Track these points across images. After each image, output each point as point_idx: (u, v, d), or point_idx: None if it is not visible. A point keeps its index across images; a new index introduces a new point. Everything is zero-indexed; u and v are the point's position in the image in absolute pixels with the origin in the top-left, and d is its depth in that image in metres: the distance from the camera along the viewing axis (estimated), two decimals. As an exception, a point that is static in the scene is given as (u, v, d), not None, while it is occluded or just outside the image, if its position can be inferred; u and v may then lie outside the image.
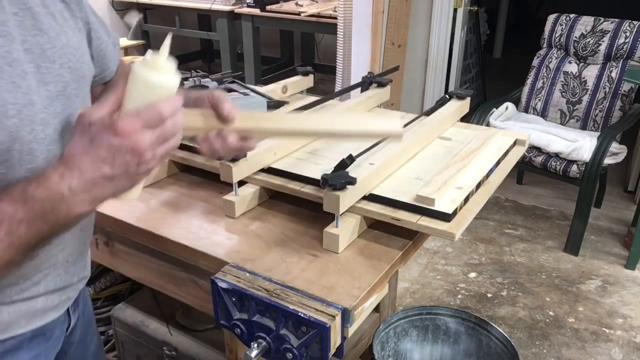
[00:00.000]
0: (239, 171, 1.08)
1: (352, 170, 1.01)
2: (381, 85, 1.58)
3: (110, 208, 1.13)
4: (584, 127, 2.91)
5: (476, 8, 3.92)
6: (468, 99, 1.49)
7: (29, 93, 0.66)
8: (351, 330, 0.86)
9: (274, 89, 1.57)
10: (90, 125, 0.58)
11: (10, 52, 0.64)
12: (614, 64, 2.84)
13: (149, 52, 0.61)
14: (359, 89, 1.59)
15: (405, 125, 1.32)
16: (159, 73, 0.60)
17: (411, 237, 1.03)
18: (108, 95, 0.63)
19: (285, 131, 0.80)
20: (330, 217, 0.99)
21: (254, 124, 0.75)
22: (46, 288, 0.78)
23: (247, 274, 0.91)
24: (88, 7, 0.82)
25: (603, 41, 2.84)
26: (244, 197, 1.11)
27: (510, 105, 2.97)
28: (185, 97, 0.81)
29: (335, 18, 3.29)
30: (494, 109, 2.89)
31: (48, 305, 0.80)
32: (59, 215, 0.60)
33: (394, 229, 1.02)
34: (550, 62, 3.03)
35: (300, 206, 1.13)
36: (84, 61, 0.78)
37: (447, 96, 1.48)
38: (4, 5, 0.65)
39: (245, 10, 4.00)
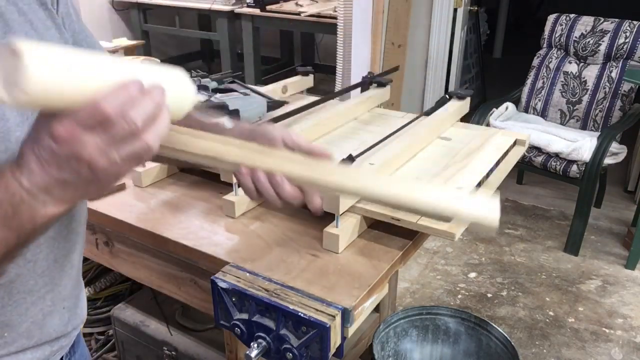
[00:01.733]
0: (239, 171, 1.08)
1: (352, 170, 1.01)
2: (381, 85, 1.58)
3: (111, 208, 1.13)
4: (584, 127, 2.91)
5: (476, 8, 3.92)
6: (468, 99, 1.49)
7: (0, 107, 0.58)
8: (351, 330, 0.86)
9: (274, 89, 1.57)
10: (39, 117, 0.50)
11: None
12: (614, 64, 2.84)
13: None
14: (359, 89, 1.60)
15: (405, 126, 1.32)
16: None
17: (411, 237, 1.03)
18: None
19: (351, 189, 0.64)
20: (330, 217, 0.99)
21: (311, 174, 0.63)
22: (38, 339, 0.71)
23: (247, 274, 0.91)
24: (76, 16, 0.74)
25: (603, 41, 2.84)
26: (244, 197, 1.11)
27: (510, 105, 2.97)
28: (238, 129, 0.74)
29: (335, 18, 3.29)
30: (494, 109, 2.89)
31: (37, 359, 0.72)
32: (22, 219, 0.51)
33: (394, 229, 1.02)
34: (550, 62, 3.03)
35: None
36: None
37: (447, 96, 1.48)
38: None
39: (245, 10, 4.00)
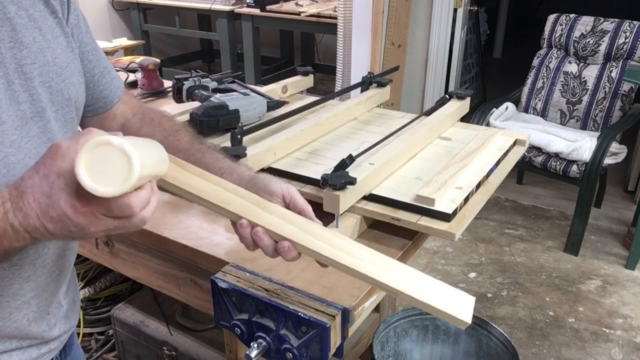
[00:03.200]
0: (239, 171, 1.08)
1: (352, 170, 1.01)
2: (381, 85, 1.58)
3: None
4: (584, 127, 2.91)
5: (476, 8, 3.92)
6: (468, 99, 1.49)
7: None
8: (351, 330, 0.86)
9: (274, 89, 1.57)
10: (58, 174, 0.50)
11: None
12: (614, 64, 2.84)
13: None
14: (359, 89, 1.60)
15: (405, 126, 1.32)
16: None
17: (411, 237, 1.03)
18: None
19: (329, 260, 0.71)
20: (330, 217, 0.99)
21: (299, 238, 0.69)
22: (23, 342, 0.71)
23: (247, 274, 0.90)
24: (85, 28, 0.76)
25: (603, 41, 2.84)
26: (244, 197, 1.11)
27: (510, 105, 2.97)
28: (238, 175, 0.78)
29: (335, 18, 3.29)
30: (494, 109, 2.89)
31: None
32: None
33: (394, 229, 1.02)
34: (550, 62, 3.03)
35: (300, 206, 1.13)
36: (71, 83, 0.70)
37: (447, 96, 1.48)
38: None
39: (245, 10, 4.00)
